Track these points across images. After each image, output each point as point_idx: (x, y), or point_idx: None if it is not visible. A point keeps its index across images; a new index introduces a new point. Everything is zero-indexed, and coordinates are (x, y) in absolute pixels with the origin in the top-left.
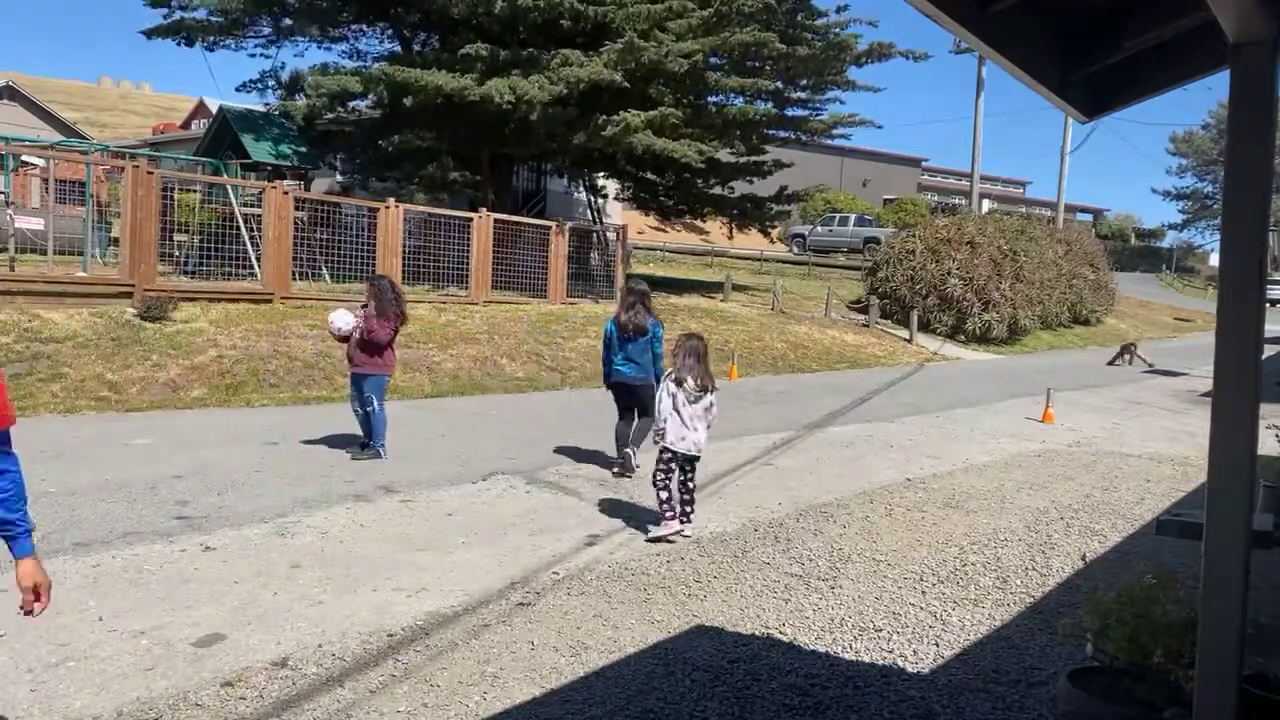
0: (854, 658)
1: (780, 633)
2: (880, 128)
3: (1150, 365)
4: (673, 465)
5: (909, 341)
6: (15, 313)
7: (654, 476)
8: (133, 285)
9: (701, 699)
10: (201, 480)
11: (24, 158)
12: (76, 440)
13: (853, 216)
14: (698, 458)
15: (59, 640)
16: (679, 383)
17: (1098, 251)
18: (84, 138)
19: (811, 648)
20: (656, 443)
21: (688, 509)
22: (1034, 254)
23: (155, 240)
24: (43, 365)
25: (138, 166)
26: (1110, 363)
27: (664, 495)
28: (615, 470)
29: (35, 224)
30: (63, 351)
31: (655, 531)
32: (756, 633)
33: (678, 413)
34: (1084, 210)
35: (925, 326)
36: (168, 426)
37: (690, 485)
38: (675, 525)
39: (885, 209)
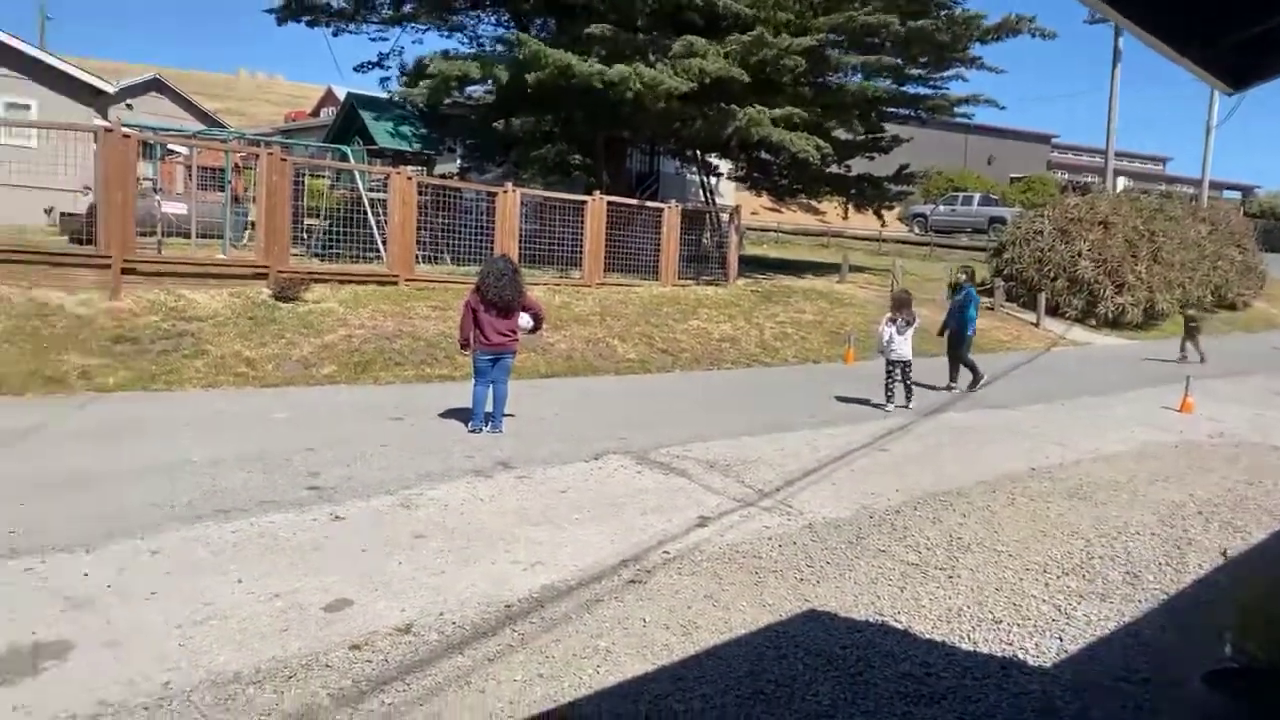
0: (971, 648)
1: (895, 620)
2: (1003, 108)
3: (1181, 356)
4: (893, 369)
5: (1036, 325)
6: (163, 293)
7: (886, 376)
8: (268, 267)
9: (814, 683)
10: (332, 453)
11: (170, 146)
12: (218, 413)
13: (977, 195)
14: (907, 361)
15: (203, 600)
16: (892, 320)
17: (1245, 231)
18: (223, 126)
19: (927, 636)
20: (883, 354)
21: (890, 395)
22: (1174, 234)
23: (288, 224)
24: (187, 343)
25: (272, 154)
26: None
27: (888, 387)
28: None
29: (179, 209)
30: (205, 330)
31: (882, 406)
32: (870, 619)
33: (892, 338)
34: (1232, 188)
35: (1053, 310)
36: (300, 401)
37: (906, 382)
38: (890, 407)
39: (1011, 187)
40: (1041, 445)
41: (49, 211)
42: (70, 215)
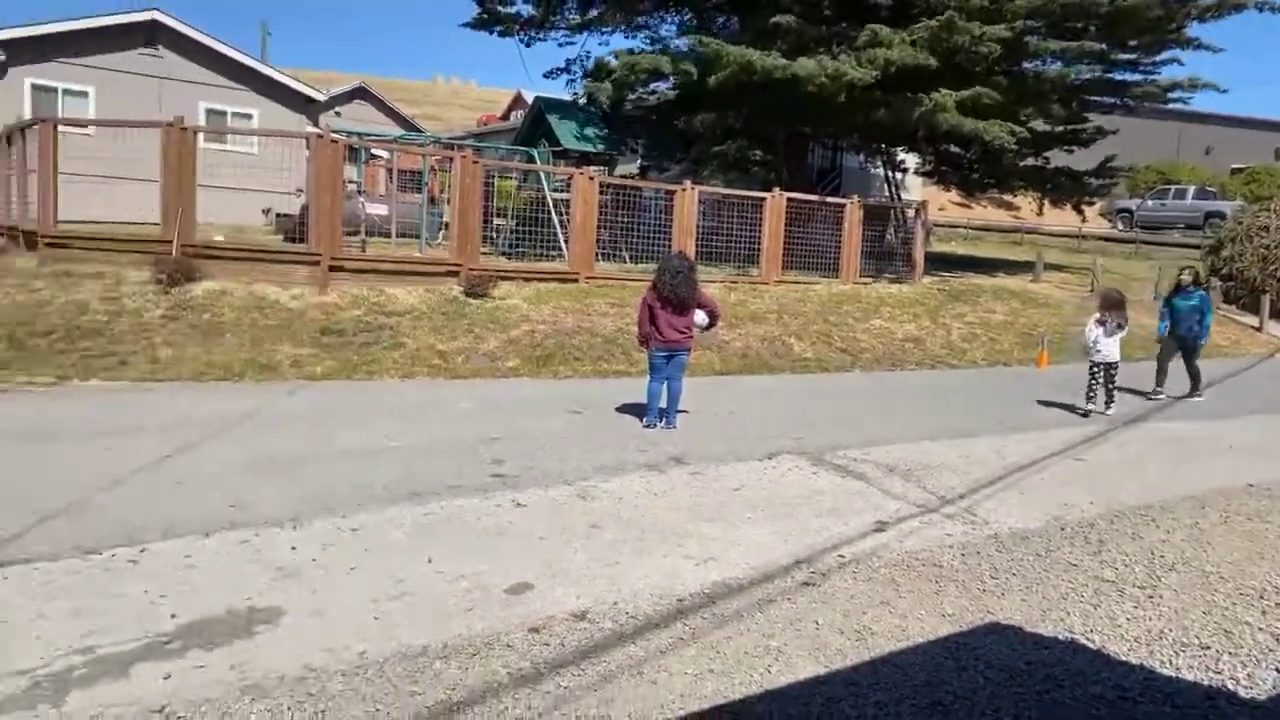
0: (1173, 674)
1: (1086, 639)
2: (1224, 92)
3: None
4: (1097, 371)
5: (1258, 329)
6: (365, 289)
7: (1089, 378)
8: (459, 265)
9: (995, 698)
10: (514, 443)
11: (373, 151)
12: (413, 403)
13: (1191, 188)
14: (1114, 364)
15: (396, 577)
16: (1101, 322)
17: None
18: (420, 131)
19: (1123, 659)
20: (1087, 355)
21: (1091, 397)
22: None
23: (479, 224)
24: (386, 335)
25: (464, 156)
26: None
27: (1089, 390)
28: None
29: (381, 210)
30: (402, 323)
31: (1080, 409)
32: (1059, 636)
33: (1099, 339)
34: None
35: (1279, 313)
36: (486, 393)
37: (1111, 386)
38: (1088, 408)
39: (1232, 179)
40: (1261, 460)
41: (266, 212)
42: (284, 215)
